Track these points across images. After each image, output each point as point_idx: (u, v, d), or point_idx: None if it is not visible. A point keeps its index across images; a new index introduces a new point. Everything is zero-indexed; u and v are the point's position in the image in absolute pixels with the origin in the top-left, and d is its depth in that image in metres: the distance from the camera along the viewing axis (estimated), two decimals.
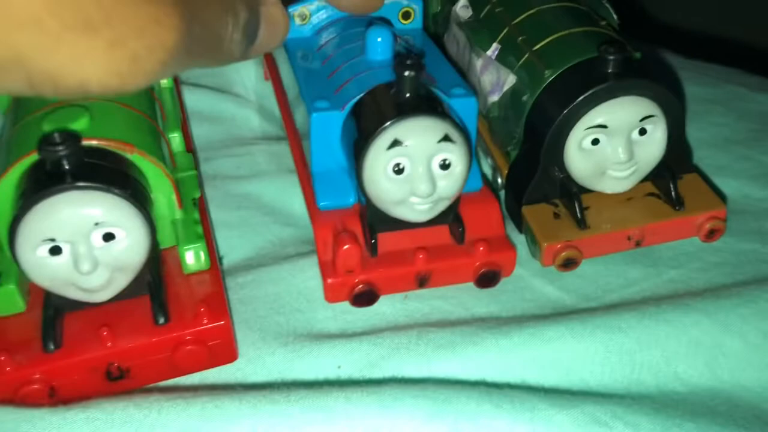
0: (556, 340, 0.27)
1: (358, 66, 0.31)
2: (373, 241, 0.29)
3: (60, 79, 0.17)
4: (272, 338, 0.28)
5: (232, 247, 0.33)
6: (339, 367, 0.27)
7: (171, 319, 0.26)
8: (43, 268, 0.24)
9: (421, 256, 0.29)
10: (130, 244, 0.25)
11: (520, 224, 0.32)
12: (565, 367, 0.27)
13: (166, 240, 0.28)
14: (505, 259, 0.30)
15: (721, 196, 0.33)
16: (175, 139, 0.32)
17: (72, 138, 0.24)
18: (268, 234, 0.34)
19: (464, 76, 0.36)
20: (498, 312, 0.30)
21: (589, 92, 0.29)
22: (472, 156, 0.29)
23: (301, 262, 0.31)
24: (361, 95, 0.29)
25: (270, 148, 0.38)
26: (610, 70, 0.29)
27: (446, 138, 0.27)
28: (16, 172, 0.25)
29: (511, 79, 0.33)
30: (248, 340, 0.28)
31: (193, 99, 0.40)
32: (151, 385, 0.26)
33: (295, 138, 0.35)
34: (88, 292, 0.25)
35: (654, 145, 0.31)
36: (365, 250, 0.29)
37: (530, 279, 0.31)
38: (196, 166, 0.33)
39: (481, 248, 0.29)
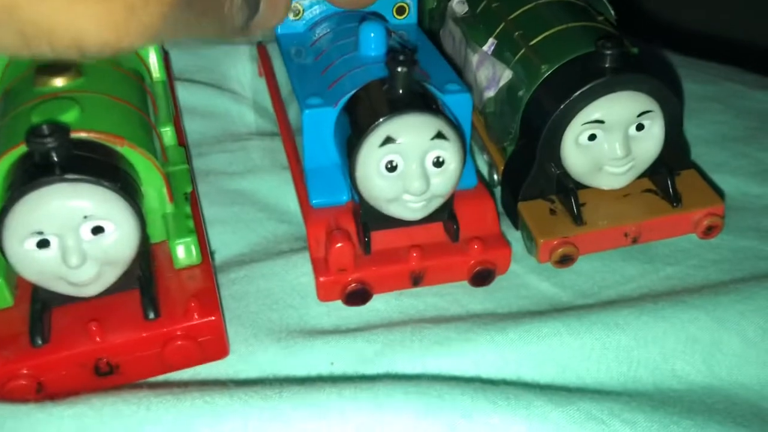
0: (552, 336, 0.27)
1: (351, 62, 0.30)
2: (366, 239, 0.29)
3: (54, 33, 0.16)
4: (264, 334, 0.28)
5: (224, 243, 0.32)
6: (332, 363, 0.27)
7: (161, 314, 0.26)
8: (30, 261, 0.24)
9: (415, 254, 0.29)
10: (120, 238, 0.25)
11: (516, 220, 0.32)
12: (561, 364, 0.27)
13: (157, 234, 0.28)
14: (499, 257, 0.30)
15: (719, 193, 0.32)
16: (167, 132, 0.31)
17: (61, 130, 0.24)
18: (261, 230, 0.33)
19: (460, 72, 0.36)
20: (493, 308, 0.29)
21: (586, 87, 0.29)
22: (467, 153, 0.28)
23: (295, 258, 0.31)
24: (354, 91, 0.28)
25: (264, 144, 0.38)
26: (607, 65, 0.29)
27: (440, 135, 0.27)
28: (5, 164, 0.25)
29: (507, 75, 0.33)
30: (240, 336, 0.28)
31: (187, 94, 0.40)
32: (141, 381, 0.26)
33: (289, 134, 0.35)
34: (76, 287, 0.25)
35: (651, 140, 0.30)
36: (359, 249, 0.29)
37: (526, 275, 0.31)
38: (189, 160, 0.33)
39: (476, 246, 0.29)
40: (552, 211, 0.31)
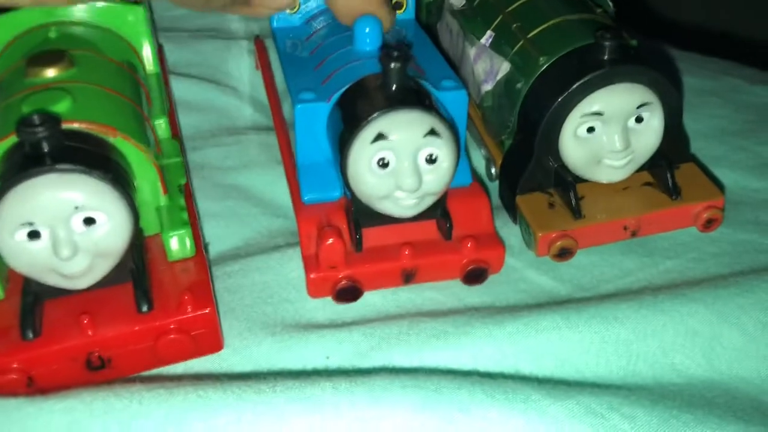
0: (550, 329, 0.27)
1: (345, 56, 0.30)
2: (357, 236, 0.28)
3: None
4: (259, 328, 0.27)
5: (219, 237, 0.32)
6: (328, 357, 0.26)
7: (154, 307, 0.25)
8: (21, 253, 0.24)
9: (406, 251, 0.28)
10: (112, 229, 0.24)
11: (515, 214, 0.32)
12: (559, 358, 0.26)
13: (150, 227, 0.28)
14: (492, 256, 0.29)
15: (719, 186, 0.32)
16: (161, 125, 0.31)
17: (51, 120, 0.23)
18: (256, 225, 0.33)
19: (457, 67, 0.36)
20: (491, 302, 0.29)
21: (585, 79, 0.29)
22: (461, 150, 0.28)
23: (290, 251, 0.31)
24: (347, 86, 0.28)
25: (260, 138, 0.38)
26: (606, 57, 0.29)
27: (432, 132, 0.26)
28: None
29: (505, 67, 0.32)
30: (235, 329, 0.27)
31: (182, 88, 0.40)
32: (134, 375, 0.26)
33: (283, 129, 0.35)
34: (68, 279, 0.25)
35: (650, 133, 0.30)
36: (350, 245, 0.28)
37: (524, 269, 0.31)
38: (183, 153, 0.32)
39: (469, 245, 0.29)
40: (550, 205, 0.31)
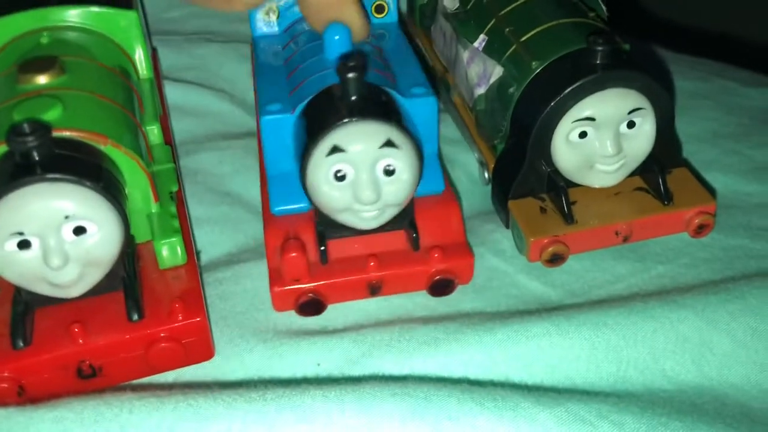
0: (540, 336, 0.27)
1: (315, 66, 0.30)
2: (322, 248, 0.28)
3: None
4: (251, 335, 0.27)
5: (212, 243, 0.32)
6: (318, 364, 0.26)
7: (145, 315, 0.25)
8: (11, 262, 0.24)
9: (372, 263, 0.28)
10: (102, 238, 0.24)
11: (507, 219, 0.32)
12: (549, 364, 0.26)
13: (141, 234, 0.28)
14: (460, 266, 0.29)
15: (711, 191, 0.32)
16: (153, 131, 0.31)
17: (42, 128, 0.23)
18: (249, 230, 0.33)
19: (452, 69, 0.36)
20: (482, 308, 0.29)
21: (577, 84, 0.29)
22: (422, 160, 0.27)
23: None
24: (310, 98, 0.28)
25: (254, 144, 0.38)
26: (598, 62, 0.29)
27: (389, 143, 0.26)
28: None
29: (497, 71, 0.32)
30: (226, 337, 0.27)
31: (176, 93, 0.40)
32: (125, 383, 0.26)
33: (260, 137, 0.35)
34: (59, 288, 0.25)
35: (643, 138, 0.30)
36: (317, 257, 0.28)
37: (516, 274, 0.31)
38: (175, 159, 0.32)
39: (436, 255, 0.28)
40: (542, 210, 0.31)
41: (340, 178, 0.26)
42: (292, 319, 0.29)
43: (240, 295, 0.29)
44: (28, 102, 0.26)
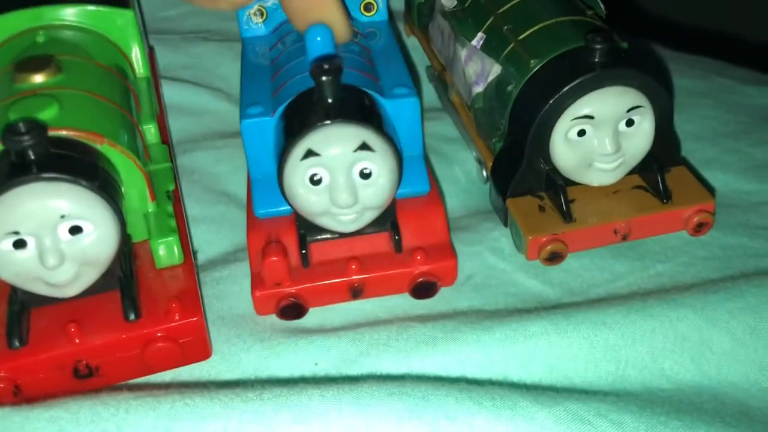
0: (539, 335, 0.27)
1: (297, 67, 0.29)
2: (303, 251, 0.28)
3: None
4: (248, 334, 0.27)
5: (209, 242, 0.32)
6: (316, 364, 0.26)
7: (142, 315, 0.25)
8: (7, 262, 0.24)
9: (353, 266, 0.28)
10: (99, 238, 0.24)
11: (505, 217, 0.32)
12: (548, 363, 0.26)
13: (138, 233, 0.28)
14: (443, 268, 0.28)
15: (710, 189, 0.32)
16: (150, 130, 0.31)
17: (38, 127, 0.23)
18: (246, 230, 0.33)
19: (450, 67, 0.36)
20: (481, 306, 0.29)
21: (576, 82, 0.28)
22: (401, 162, 0.27)
23: None
24: (289, 101, 0.28)
25: None
26: (597, 60, 0.29)
27: (364, 146, 0.26)
28: None
29: (495, 69, 0.32)
30: (223, 336, 0.27)
31: (173, 92, 0.40)
32: (121, 383, 0.26)
33: None
34: (55, 287, 0.24)
35: (641, 136, 0.30)
36: (299, 261, 0.28)
37: (514, 273, 0.31)
38: (172, 158, 0.32)
39: (419, 257, 0.28)
40: (541, 208, 0.31)
41: (316, 182, 0.26)
42: None
43: (237, 295, 0.29)
44: (23, 101, 0.26)
